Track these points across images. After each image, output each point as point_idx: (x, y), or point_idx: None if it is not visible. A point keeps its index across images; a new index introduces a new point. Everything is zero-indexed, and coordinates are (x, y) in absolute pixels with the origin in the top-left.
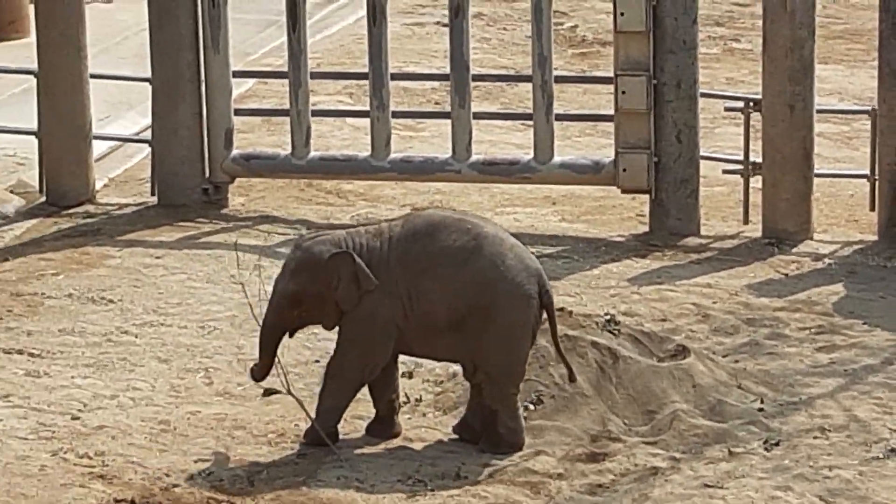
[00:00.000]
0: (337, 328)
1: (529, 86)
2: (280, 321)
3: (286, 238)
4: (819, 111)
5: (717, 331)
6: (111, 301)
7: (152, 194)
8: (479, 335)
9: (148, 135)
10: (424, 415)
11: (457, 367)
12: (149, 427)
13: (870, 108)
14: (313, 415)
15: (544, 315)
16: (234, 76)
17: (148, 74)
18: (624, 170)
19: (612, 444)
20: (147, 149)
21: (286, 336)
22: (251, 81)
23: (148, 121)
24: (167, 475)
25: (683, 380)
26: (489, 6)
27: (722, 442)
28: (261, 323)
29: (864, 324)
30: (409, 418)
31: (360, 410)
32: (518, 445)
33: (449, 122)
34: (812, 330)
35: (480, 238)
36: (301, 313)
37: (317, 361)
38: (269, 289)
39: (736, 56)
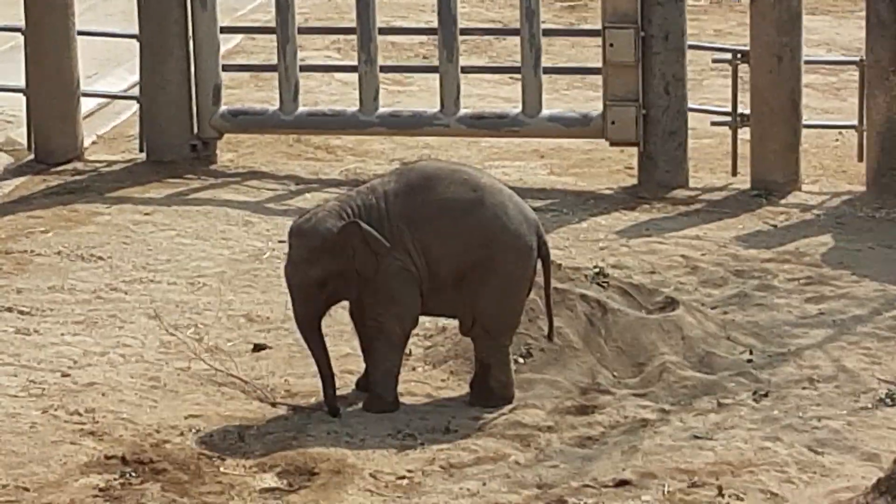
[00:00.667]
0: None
1: (517, 39)
2: (311, 311)
3: (275, 194)
4: (807, 62)
5: (705, 282)
6: (100, 258)
7: (140, 151)
8: (480, 288)
9: (136, 91)
10: (414, 369)
11: (446, 321)
12: (139, 384)
13: (858, 58)
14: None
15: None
16: (221, 32)
17: (135, 31)
18: (612, 122)
19: (601, 396)
20: (135, 105)
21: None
22: (239, 37)
23: (136, 77)
24: (157, 431)
25: (672, 332)
26: None
27: (711, 393)
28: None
29: (853, 274)
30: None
31: (350, 366)
32: (508, 399)
33: (437, 76)
34: (801, 281)
35: (480, 189)
36: (327, 295)
37: None
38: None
39: (724, 7)
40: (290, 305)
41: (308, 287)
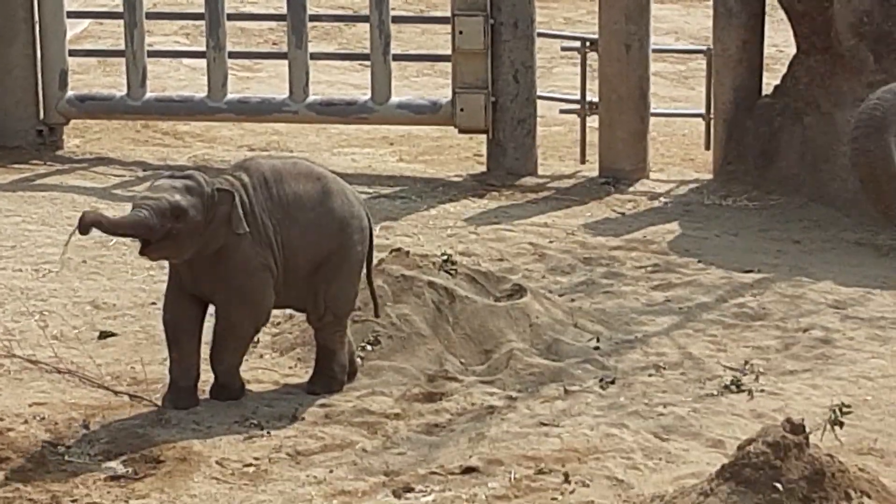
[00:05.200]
0: (207, 286)
1: (367, 26)
2: (148, 226)
3: (122, 180)
4: (655, 51)
5: (553, 270)
6: None
7: None
8: (335, 275)
9: None
10: (262, 356)
11: None
12: None
13: (705, 47)
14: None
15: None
16: (68, 16)
17: None
18: (461, 110)
19: (448, 383)
20: None
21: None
22: (86, 22)
23: None
24: (1, 419)
25: (520, 319)
26: None
27: (558, 380)
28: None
29: (699, 262)
30: (246, 360)
31: None
32: (346, 381)
33: (286, 62)
34: (648, 268)
35: (322, 178)
36: (166, 234)
37: (153, 304)
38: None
39: None
40: (135, 291)
41: (166, 207)
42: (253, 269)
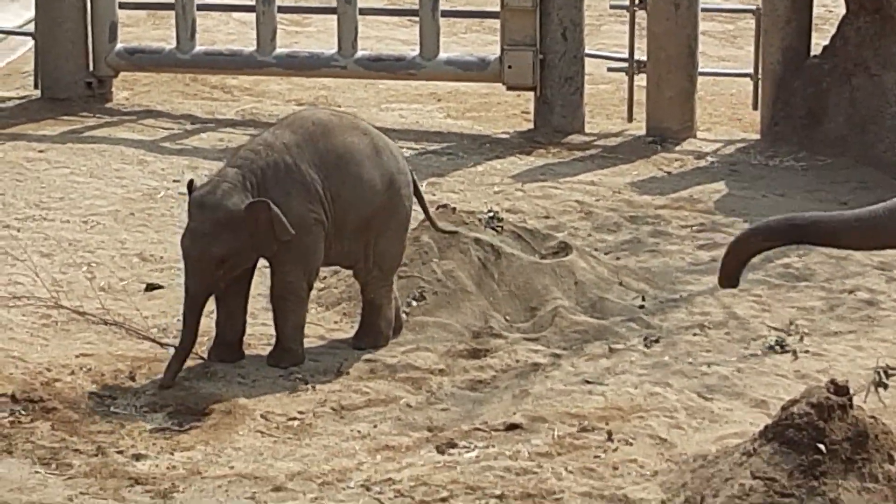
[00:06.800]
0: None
1: None
2: (205, 286)
3: (170, 133)
4: (704, 10)
5: (599, 228)
6: None
7: (35, 88)
8: (382, 233)
9: (31, 28)
10: (307, 311)
11: None
12: (30, 322)
13: (754, 7)
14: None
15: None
16: None
17: None
18: (509, 67)
19: (493, 340)
20: (30, 42)
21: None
22: None
23: (31, 14)
24: (48, 370)
25: (565, 276)
26: None
27: (602, 338)
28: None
29: (745, 222)
30: None
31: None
32: (391, 337)
33: (335, 17)
34: (693, 228)
35: (368, 133)
36: (223, 271)
37: None
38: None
39: None
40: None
41: (207, 262)
42: (308, 225)
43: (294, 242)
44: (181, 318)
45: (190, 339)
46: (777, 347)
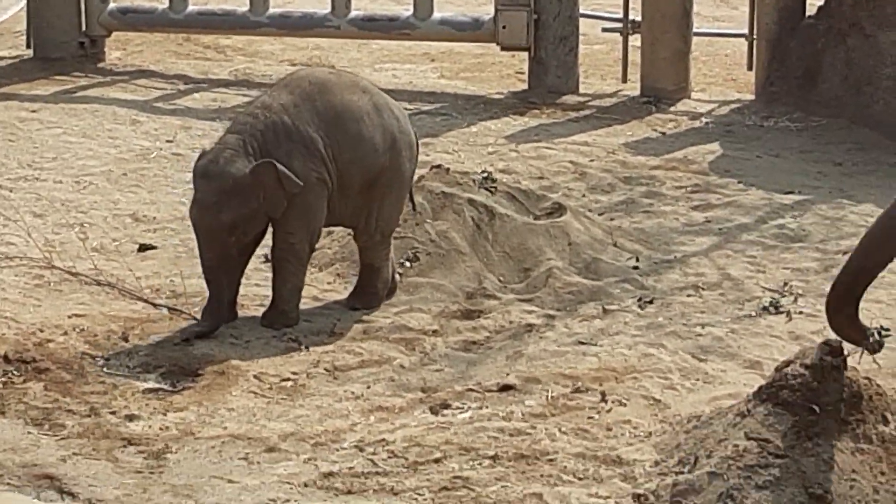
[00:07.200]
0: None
1: None
2: (219, 255)
3: (163, 93)
4: None
5: (593, 188)
6: None
7: (28, 47)
8: (386, 194)
9: None
10: None
11: None
12: (23, 282)
13: None
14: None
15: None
16: None
17: None
18: (503, 27)
19: (486, 301)
20: (23, 1)
21: (161, 194)
22: None
23: None
24: (41, 330)
25: (559, 237)
26: None
27: (596, 299)
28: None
29: (739, 183)
30: None
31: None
32: (384, 299)
33: None
34: (688, 188)
35: (368, 91)
36: (236, 237)
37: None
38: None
39: None
40: (175, 204)
41: (218, 231)
42: (310, 185)
43: (297, 201)
44: (204, 283)
45: (218, 311)
46: (771, 308)
